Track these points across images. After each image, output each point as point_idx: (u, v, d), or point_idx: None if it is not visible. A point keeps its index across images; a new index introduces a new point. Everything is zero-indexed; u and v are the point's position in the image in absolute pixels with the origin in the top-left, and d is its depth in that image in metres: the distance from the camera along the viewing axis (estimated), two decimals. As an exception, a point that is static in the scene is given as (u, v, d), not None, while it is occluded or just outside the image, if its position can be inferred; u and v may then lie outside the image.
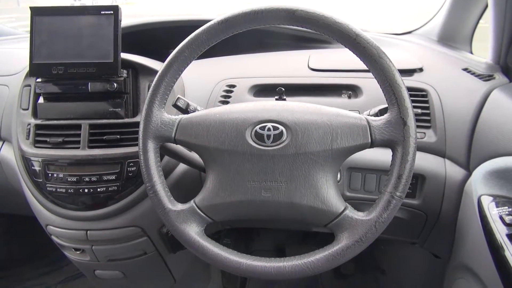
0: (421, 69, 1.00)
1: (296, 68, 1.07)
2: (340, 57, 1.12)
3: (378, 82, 0.64)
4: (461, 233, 0.85)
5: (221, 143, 0.66)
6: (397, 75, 0.61)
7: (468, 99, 0.87)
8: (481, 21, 1.17)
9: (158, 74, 0.69)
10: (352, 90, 1.00)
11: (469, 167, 0.84)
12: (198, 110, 0.80)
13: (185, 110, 0.79)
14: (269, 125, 0.65)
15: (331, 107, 0.67)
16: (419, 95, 0.94)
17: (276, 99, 0.85)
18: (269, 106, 0.68)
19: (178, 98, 0.79)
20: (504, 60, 0.90)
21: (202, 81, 1.06)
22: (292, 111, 0.66)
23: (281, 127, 0.65)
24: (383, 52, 0.62)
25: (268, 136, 0.65)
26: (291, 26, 0.66)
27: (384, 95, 0.63)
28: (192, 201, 0.68)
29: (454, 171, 0.86)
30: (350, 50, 0.65)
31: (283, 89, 0.83)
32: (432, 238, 1.00)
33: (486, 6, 1.11)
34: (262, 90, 1.04)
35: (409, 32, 1.43)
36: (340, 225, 0.63)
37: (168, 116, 0.69)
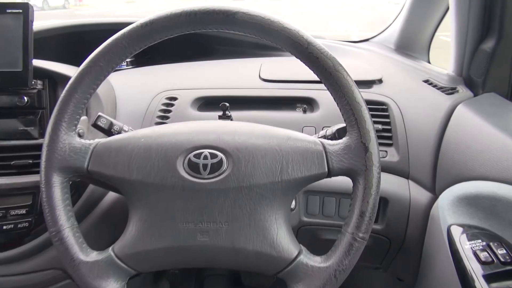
0: (380, 81, 0.93)
1: (246, 79, 0.96)
2: (295, 66, 1.02)
3: (334, 98, 0.54)
4: (427, 260, 0.77)
5: (146, 175, 0.53)
6: (356, 92, 0.52)
7: (431, 115, 0.80)
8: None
9: (66, 89, 0.55)
10: (308, 104, 0.90)
11: (435, 190, 0.76)
12: (125, 131, 0.66)
13: (107, 131, 0.65)
14: (206, 152, 0.53)
15: (280, 129, 0.56)
16: (379, 109, 0.86)
17: (220, 117, 0.73)
18: (207, 127, 0.56)
19: (99, 116, 0.65)
20: (467, 72, 0.83)
21: (138, 93, 0.92)
22: (234, 134, 0.55)
23: (220, 155, 0.53)
24: (339, 64, 0.52)
25: (205, 166, 0.53)
26: (233, 32, 0.54)
27: (342, 114, 0.53)
28: (110, 248, 0.54)
29: (419, 193, 0.78)
30: (301, 61, 0.54)
31: (227, 104, 0.72)
32: (396, 263, 0.92)
33: (444, 15, 1.06)
34: (208, 104, 0.92)
35: (367, 40, 1.37)
36: (293, 274, 0.52)
37: (79, 141, 0.55)
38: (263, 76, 0.95)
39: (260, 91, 0.91)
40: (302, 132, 0.84)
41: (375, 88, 0.90)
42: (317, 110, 0.87)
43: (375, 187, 0.50)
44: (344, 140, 0.53)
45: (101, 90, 0.86)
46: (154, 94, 0.91)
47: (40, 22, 1.09)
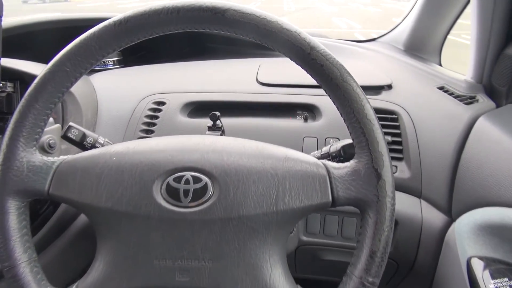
0: (389, 86, 0.84)
1: (242, 82, 0.87)
2: (296, 68, 0.93)
3: (341, 113, 0.45)
4: None
5: (116, 201, 0.45)
6: (368, 107, 0.43)
7: (448, 126, 0.71)
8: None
9: (24, 97, 0.46)
10: (309, 111, 0.82)
11: (451, 213, 0.68)
12: (100, 144, 0.58)
13: (80, 144, 0.57)
14: (188, 175, 0.45)
15: (277, 147, 0.48)
16: (389, 118, 0.77)
17: (209, 128, 0.64)
18: (190, 144, 0.48)
19: (70, 127, 0.57)
20: (488, 79, 0.75)
21: (122, 96, 0.84)
22: (222, 153, 0.46)
23: (205, 179, 0.45)
24: (347, 73, 0.44)
25: (186, 192, 0.44)
26: (224, 32, 0.46)
27: (350, 132, 0.45)
28: (74, 286, 0.46)
29: (432, 215, 0.70)
30: (302, 68, 0.46)
31: (218, 113, 0.63)
32: (403, 286, 0.84)
33: (460, 13, 0.97)
34: (199, 110, 0.83)
35: (373, 40, 1.28)
36: None
37: (40, 158, 0.47)
38: (261, 80, 0.87)
39: (257, 96, 0.83)
40: (303, 143, 0.76)
41: (384, 94, 0.82)
42: (320, 118, 0.79)
43: (388, 222, 0.42)
44: (352, 163, 0.45)
45: (80, 92, 0.78)
46: (141, 98, 0.83)
47: (36, 15, 1.01)
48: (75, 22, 1.01)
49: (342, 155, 0.55)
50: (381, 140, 0.43)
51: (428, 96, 0.80)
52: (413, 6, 1.07)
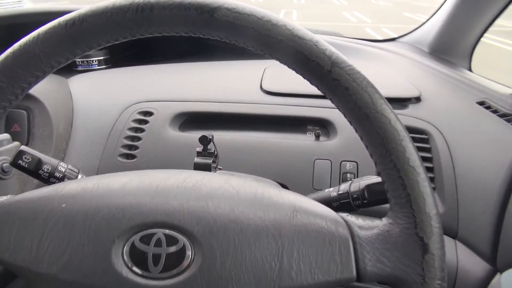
0: (418, 99, 0.71)
1: (244, 89, 0.75)
2: None
3: (370, 152, 0.33)
4: None
5: (62, 267, 0.33)
6: (411, 150, 0.31)
7: (494, 154, 0.58)
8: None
9: None
10: (322, 126, 0.69)
11: (495, 261, 0.55)
12: (60, 173, 0.47)
13: (34, 173, 0.46)
14: (160, 233, 0.33)
15: (283, 192, 0.36)
16: (417, 139, 0.65)
17: (199, 154, 0.52)
18: (166, 186, 0.36)
19: (20, 152, 0.45)
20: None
21: (103, 104, 0.72)
22: (208, 201, 0.34)
23: (182, 239, 0.33)
24: (383, 100, 0.31)
25: (156, 258, 0.32)
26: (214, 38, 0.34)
27: (383, 180, 0.33)
28: None
29: (470, 261, 0.57)
30: (319, 89, 0.34)
31: (210, 136, 0.51)
32: None
33: (499, 14, 0.83)
34: (192, 122, 0.71)
35: (393, 39, 1.15)
36: None
37: None
38: (265, 87, 0.74)
39: (261, 107, 0.70)
40: (314, 167, 0.64)
41: (411, 109, 0.69)
42: (334, 136, 0.66)
43: None
44: (385, 223, 0.33)
45: (52, 99, 0.66)
46: (124, 107, 0.71)
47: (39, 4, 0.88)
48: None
49: (366, 197, 0.43)
50: (428, 196, 0.31)
51: (466, 112, 0.67)
52: (442, 4, 0.93)
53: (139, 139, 0.67)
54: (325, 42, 0.32)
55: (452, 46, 0.94)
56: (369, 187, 0.43)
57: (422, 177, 0.31)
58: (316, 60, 0.32)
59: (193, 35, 0.34)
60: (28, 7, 0.83)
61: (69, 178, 0.47)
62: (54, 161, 0.47)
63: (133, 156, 0.66)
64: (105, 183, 0.36)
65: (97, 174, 0.66)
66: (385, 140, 0.31)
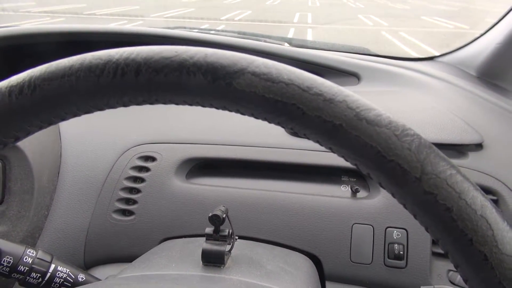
0: (480, 145, 0.58)
1: (265, 130, 0.63)
2: None
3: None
4: None
5: None
6: None
7: None
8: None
9: None
10: (360, 178, 0.57)
11: None
12: (25, 268, 0.35)
13: (6, 275, 0.35)
14: None
15: None
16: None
17: (208, 238, 0.40)
18: None
19: None
20: None
21: (96, 147, 0.60)
22: None
23: None
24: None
25: None
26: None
27: None
28: None
29: None
30: (398, 198, 0.21)
31: (224, 216, 0.39)
32: None
33: None
34: (204, 168, 0.59)
35: (431, 58, 1.01)
36: None
37: None
38: None
39: (286, 152, 0.58)
40: (352, 233, 0.51)
41: (472, 159, 0.55)
42: (376, 193, 0.54)
43: None
44: None
45: (33, 145, 0.55)
46: (122, 150, 0.59)
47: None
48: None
49: None
50: None
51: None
52: (497, 22, 0.80)
53: (138, 191, 0.56)
54: (410, 127, 0.20)
55: (506, 70, 0.80)
56: None
57: None
58: (396, 161, 0.19)
59: (202, 106, 0.22)
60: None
61: (37, 272, 0.36)
62: (18, 249, 0.35)
63: (130, 213, 0.55)
64: None
65: (86, 235, 0.55)
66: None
